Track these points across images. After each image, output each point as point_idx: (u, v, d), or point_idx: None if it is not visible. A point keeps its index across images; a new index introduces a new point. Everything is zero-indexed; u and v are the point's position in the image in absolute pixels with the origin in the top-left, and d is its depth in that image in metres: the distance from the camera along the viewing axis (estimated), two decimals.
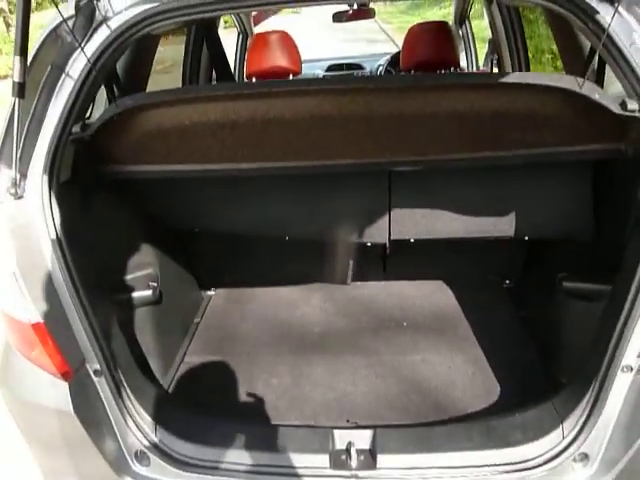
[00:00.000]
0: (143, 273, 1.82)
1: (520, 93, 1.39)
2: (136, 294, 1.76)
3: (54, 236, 1.29)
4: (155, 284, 1.81)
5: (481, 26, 3.52)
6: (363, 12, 3.76)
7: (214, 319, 2.26)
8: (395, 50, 4.24)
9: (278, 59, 2.29)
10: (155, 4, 1.25)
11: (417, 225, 1.89)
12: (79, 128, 1.36)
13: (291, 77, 2.35)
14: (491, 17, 2.86)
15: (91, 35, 1.28)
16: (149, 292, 1.78)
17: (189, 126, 1.47)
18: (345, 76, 3.83)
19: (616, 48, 1.16)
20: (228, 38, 3.53)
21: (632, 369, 1.26)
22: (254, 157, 1.60)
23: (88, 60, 1.27)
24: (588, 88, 1.28)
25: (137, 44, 1.57)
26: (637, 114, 1.21)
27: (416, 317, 2.19)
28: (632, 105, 1.20)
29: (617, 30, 1.15)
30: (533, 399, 1.50)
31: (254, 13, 3.55)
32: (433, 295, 2.32)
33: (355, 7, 3.62)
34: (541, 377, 1.79)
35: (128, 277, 1.78)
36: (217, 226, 2.00)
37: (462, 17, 3.38)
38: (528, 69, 2.68)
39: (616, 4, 1.13)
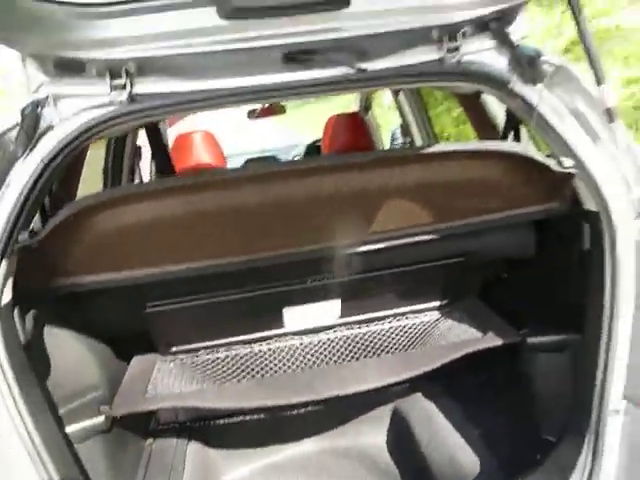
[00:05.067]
0: (93, 396, 1.63)
1: (464, 161, 1.48)
2: (86, 423, 1.55)
3: None
4: (107, 407, 1.62)
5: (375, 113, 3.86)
6: (274, 108, 4.37)
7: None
8: (305, 140, 4.50)
9: (205, 157, 2.31)
10: (110, 108, 1.20)
11: None
12: (26, 235, 1.24)
13: None
14: (399, 103, 3.13)
15: (35, 145, 1.20)
16: (101, 419, 1.59)
17: (151, 222, 1.40)
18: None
19: (544, 121, 1.29)
20: None
21: (619, 412, 1.29)
22: (221, 251, 1.53)
23: (42, 162, 1.19)
24: (528, 150, 1.39)
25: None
26: (572, 170, 1.32)
27: None
28: (568, 162, 1.31)
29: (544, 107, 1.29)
30: (523, 463, 1.47)
31: None
32: None
33: (266, 105, 4.02)
34: (523, 438, 1.76)
35: (75, 404, 1.58)
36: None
37: (367, 106, 3.65)
38: None
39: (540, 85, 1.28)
